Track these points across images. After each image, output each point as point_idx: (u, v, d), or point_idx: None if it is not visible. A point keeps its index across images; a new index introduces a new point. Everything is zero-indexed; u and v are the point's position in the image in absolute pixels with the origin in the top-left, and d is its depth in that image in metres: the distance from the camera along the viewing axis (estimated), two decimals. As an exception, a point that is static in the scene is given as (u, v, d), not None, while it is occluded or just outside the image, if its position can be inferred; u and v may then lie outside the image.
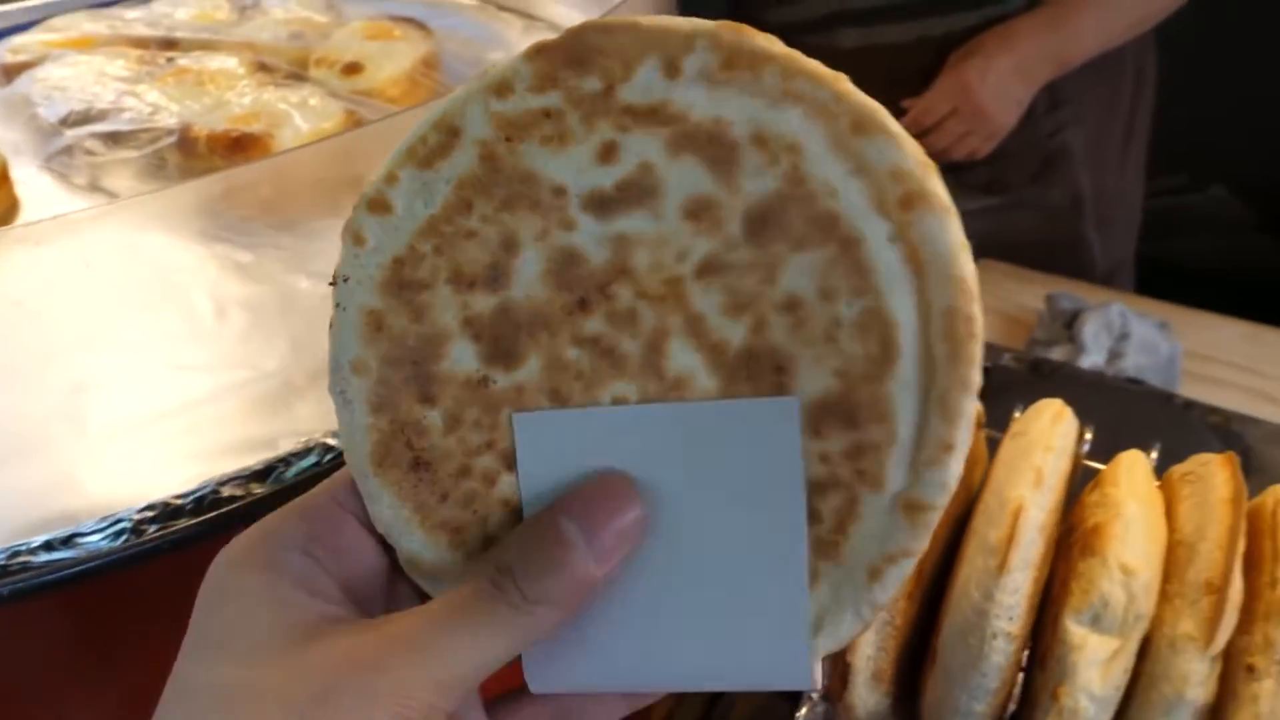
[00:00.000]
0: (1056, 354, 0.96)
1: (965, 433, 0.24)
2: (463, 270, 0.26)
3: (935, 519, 0.24)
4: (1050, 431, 0.48)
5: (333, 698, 0.24)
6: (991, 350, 0.92)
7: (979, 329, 0.24)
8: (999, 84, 1.05)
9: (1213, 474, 0.47)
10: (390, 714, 0.24)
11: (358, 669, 0.25)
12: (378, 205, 0.27)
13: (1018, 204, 1.20)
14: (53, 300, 0.54)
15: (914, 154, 0.24)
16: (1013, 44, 1.05)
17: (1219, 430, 0.80)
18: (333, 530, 0.29)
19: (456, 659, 0.25)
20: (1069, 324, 1.01)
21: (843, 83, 0.24)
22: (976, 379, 0.24)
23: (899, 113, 1.09)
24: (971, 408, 0.24)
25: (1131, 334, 0.97)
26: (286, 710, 0.24)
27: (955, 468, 0.24)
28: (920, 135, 1.06)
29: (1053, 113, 1.15)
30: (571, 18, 0.88)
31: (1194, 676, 0.41)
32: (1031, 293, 1.09)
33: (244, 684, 0.25)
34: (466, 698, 0.27)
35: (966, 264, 0.24)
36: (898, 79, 1.14)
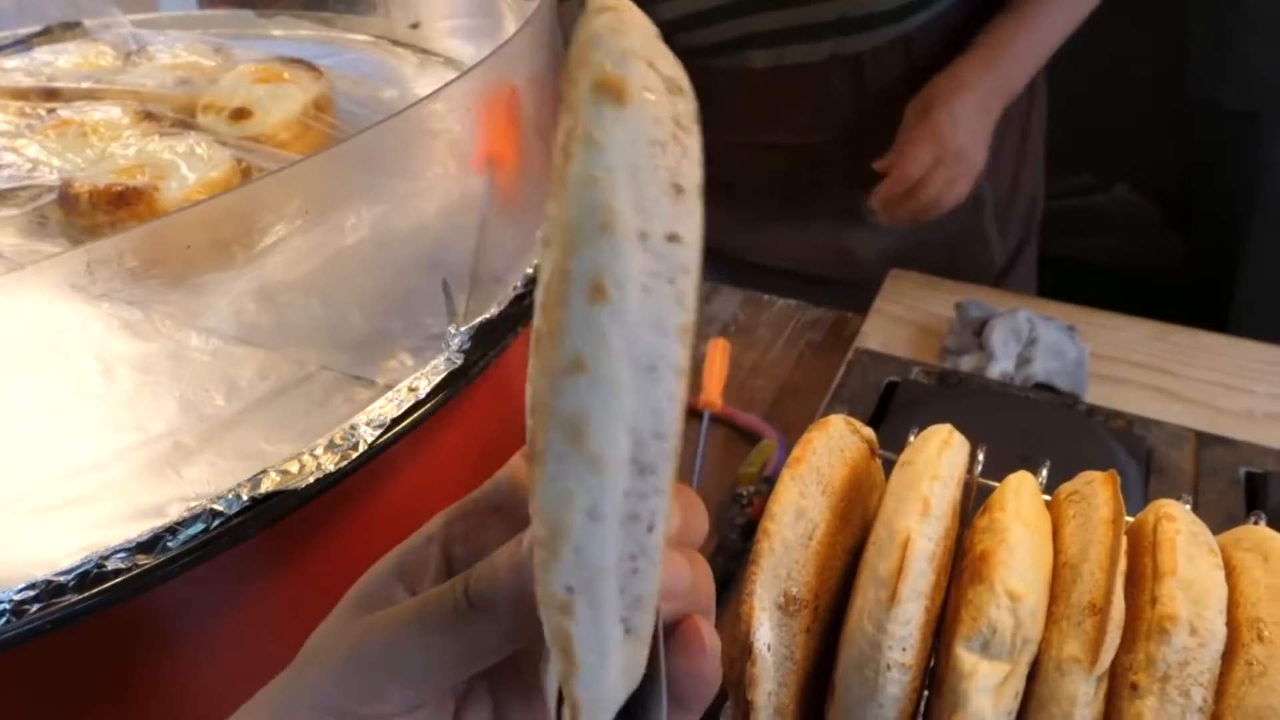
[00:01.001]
0: (966, 363, 0.98)
1: None
2: None
3: None
4: (937, 460, 0.49)
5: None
6: (901, 364, 0.93)
7: None
8: (968, 124, 1.08)
9: (1095, 493, 0.48)
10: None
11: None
12: None
13: None
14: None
15: None
16: (965, 86, 1.08)
17: (1122, 435, 0.83)
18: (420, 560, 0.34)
19: (408, 656, 0.28)
20: (978, 331, 1.03)
21: None
22: None
23: (874, 176, 1.11)
24: None
25: (1039, 339, 0.99)
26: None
27: None
28: (908, 191, 1.08)
29: None
30: (466, 52, 0.87)
31: (1081, 697, 0.42)
32: (941, 300, 1.11)
33: None
34: (431, 695, 0.30)
35: None
36: (819, 102, 1.16)
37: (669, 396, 0.21)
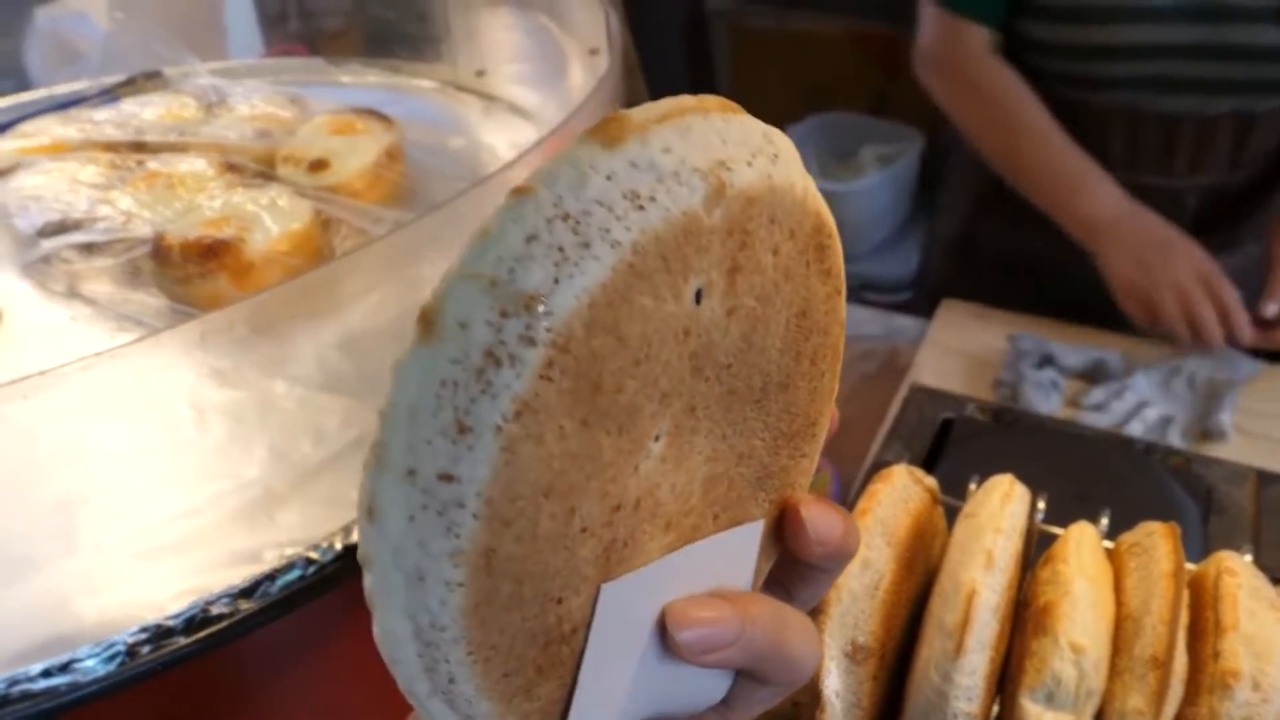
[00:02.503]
0: (1022, 396, 0.99)
1: None
2: None
3: None
4: (1000, 512, 0.50)
5: None
6: (955, 400, 0.94)
7: None
8: None
9: (1156, 545, 0.49)
10: None
11: None
12: None
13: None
14: (37, 414, 0.56)
15: None
16: None
17: (1180, 473, 0.83)
18: None
19: None
20: (1038, 364, 1.03)
21: None
22: None
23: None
24: None
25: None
26: None
27: None
28: None
29: None
30: (529, 99, 0.90)
31: (1145, 749, 0.43)
32: (993, 331, 1.12)
33: None
34: None
35: None
36: (1199, 151, 1.13)
37: (440, 601, 0.23)
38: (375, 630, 0.24)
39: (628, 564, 0.26)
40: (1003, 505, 0.51)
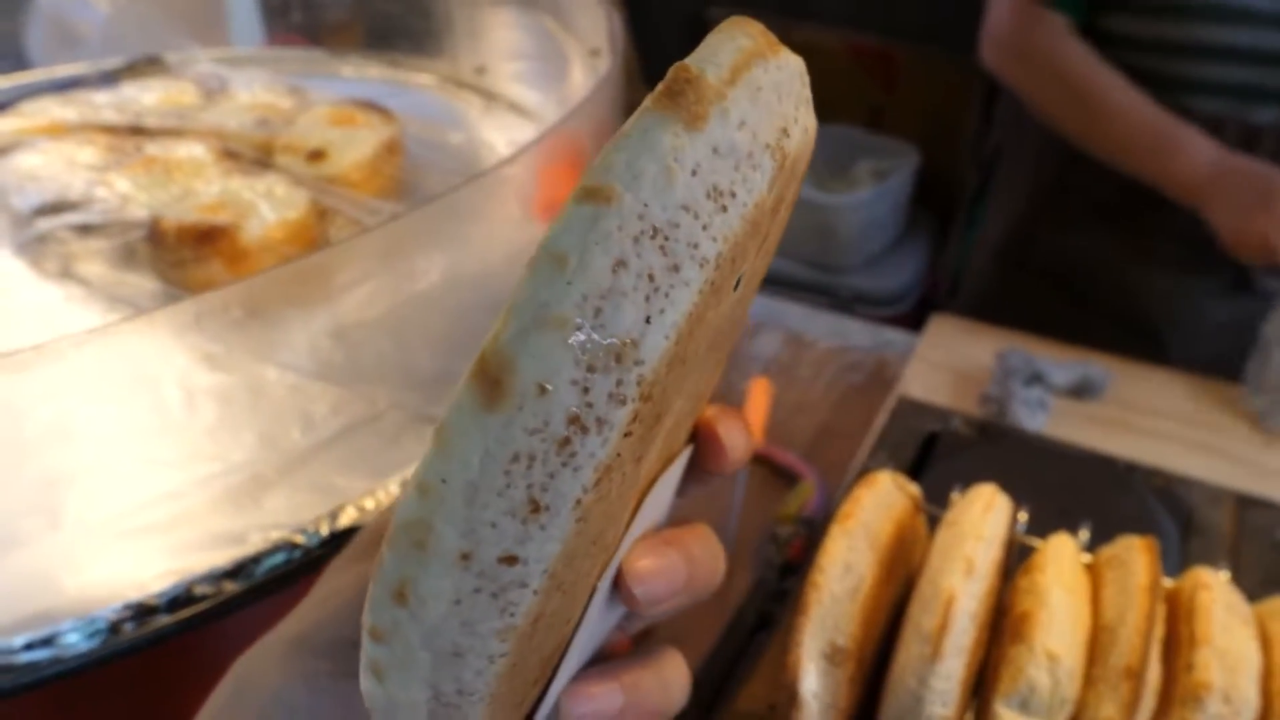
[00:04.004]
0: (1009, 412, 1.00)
1: None
2: None
3: None
4: (981, 521, 0.51)
5: None
6: (942, 413, 0.95)
7: None
8: None
9: (1134, 558, 0.50)
10: None
11: None
12: None
13: None
14: (26, 391, 0.56)
15: None
16: None
17: (1161, 493, 0.84)
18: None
19: None
20: (1027, 381, 1.04)
21: None
22: None
23: None
24: None
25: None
26: None
27: None
28: None
29: None
30: (530, 98, 0.91)
31: (1115, 758, 0.44)
32: (982, 347, 1.12)
33: None
34: None
35: None
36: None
37: (477, 672, 0.20)
38: (374, 694, 0.21)
39: (613, 549, 0.24)
40: (984, 514, 0.51)
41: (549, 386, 0.17)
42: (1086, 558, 0.55)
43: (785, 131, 0.21)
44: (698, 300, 0.19)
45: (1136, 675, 0.44)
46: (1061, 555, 0.51)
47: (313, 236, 0.71)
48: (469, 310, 0.66)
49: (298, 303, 0.60)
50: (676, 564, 0.26)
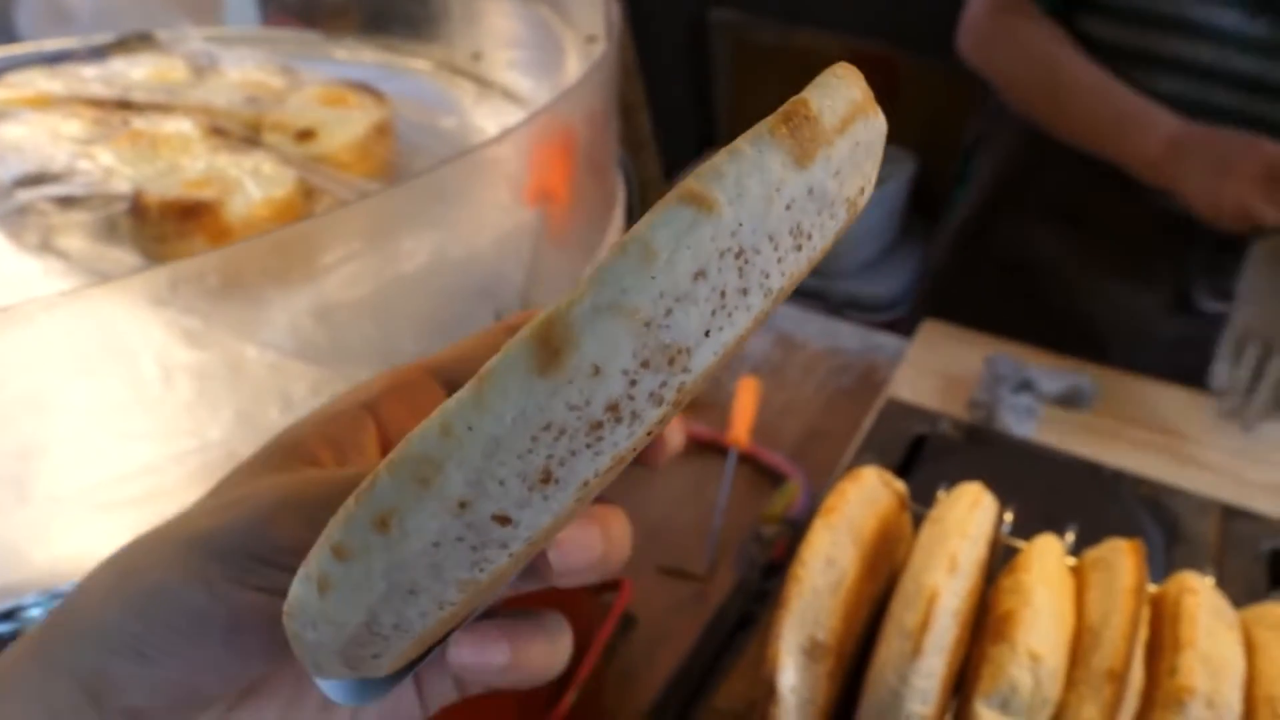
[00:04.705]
0: (997, 418, 0.99)
1: None
2: None
3: None
4: (967, 518, 0.50)
5: None
6: (930, 416, 0.94)
7: None
8: None
9: (1119, 561, 0.49)
10: None
11: None
12: None
13: None
14: (-4, 362, 0.55)
15: None
16: None
17: (1147, 502, 0.83)
18: (350, 431, 0.30)
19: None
20: (1015, 389, 1.04)
21: None
22: None
23: None
24: None
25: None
26: None
27: None
28: None
29: None
30: (524, 85, 0.90)
31: (1096, 761, 0.43)
32: (972, 353, 1.12)
33: None
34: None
35: None
36: None
37: (421, 614, 0.20)
38: (305, 604, 0.21)
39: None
40: (970, 512, 0.51)
41: (603, 370, 0.18)
42: (1071, 560, 0.54)
43: (862, 190, 0.22)
44: (750, 326, 0.19)
45: (1119, 677, 0.43)
46: (1046, 555, 0.50)
47: (299, 215, 0.70)
48: (455, 294, 0.65)
49: (279, 280, 0.59)
50: (594, 540, 0.26)
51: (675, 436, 0.29)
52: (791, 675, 0.47)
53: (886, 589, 0.53)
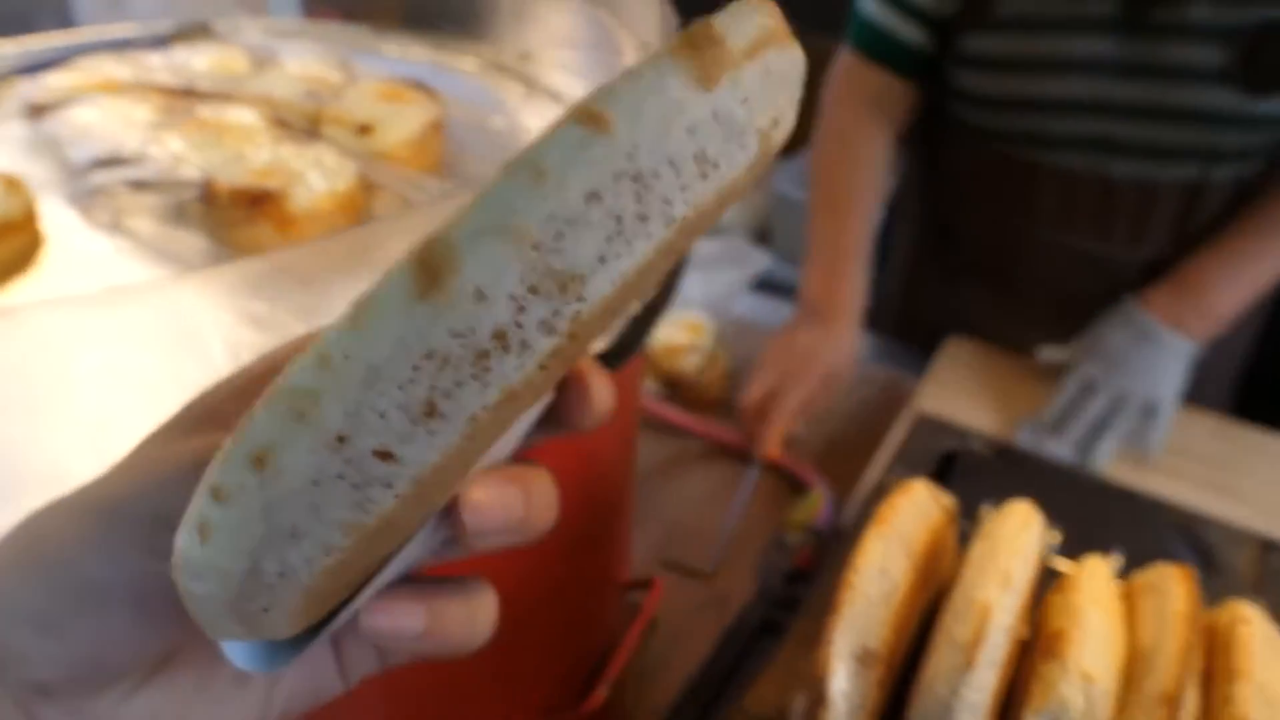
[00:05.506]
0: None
1: None
2: None
3: None
4: (1018, 536, 0.51)
5: None
6: (960, 433, 0.95)
7: None
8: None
9: (1171, 587, 0.50)
10: None
11: None
12: None
13: None
14: (76, 336, 0.56)
15: None
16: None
17: (1183, 531, 0.84)
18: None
19: None
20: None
21: None
22: None
23: None
24: None
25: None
26: None
27: None
28: None
29: None
30: (574, 87, 0.91)
31: (1144, 781, 0.44)
32: (997, 372, 1.13)
33: None
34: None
35: None
36: (1141, 219, 1.07)
37: (306, 560, 0.19)
38: (189, 554, 0.20)
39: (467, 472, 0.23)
40: (1021, 530, 0.52)
41: (487, 294, 0.17)
42: (1119, 584, 0.55)
43: (776, 122, 0.21)
44: (651, 256, 0.18)
45: (1173, 702, 0.44)
46: (1096, 577, 0.51)
47: (359, 208, 0.71)
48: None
49: (342, 269, 0.60)
50: (513, 500, 0.24)
51: (603, 394, 0.26)
52: (843, 681, 0.48)
53: (932, 602, 0.54)
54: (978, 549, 0.52)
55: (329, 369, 0.17)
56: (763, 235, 2.23)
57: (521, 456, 0.27)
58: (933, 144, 1.21)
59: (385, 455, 0.18)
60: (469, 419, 0.18)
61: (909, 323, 1.35)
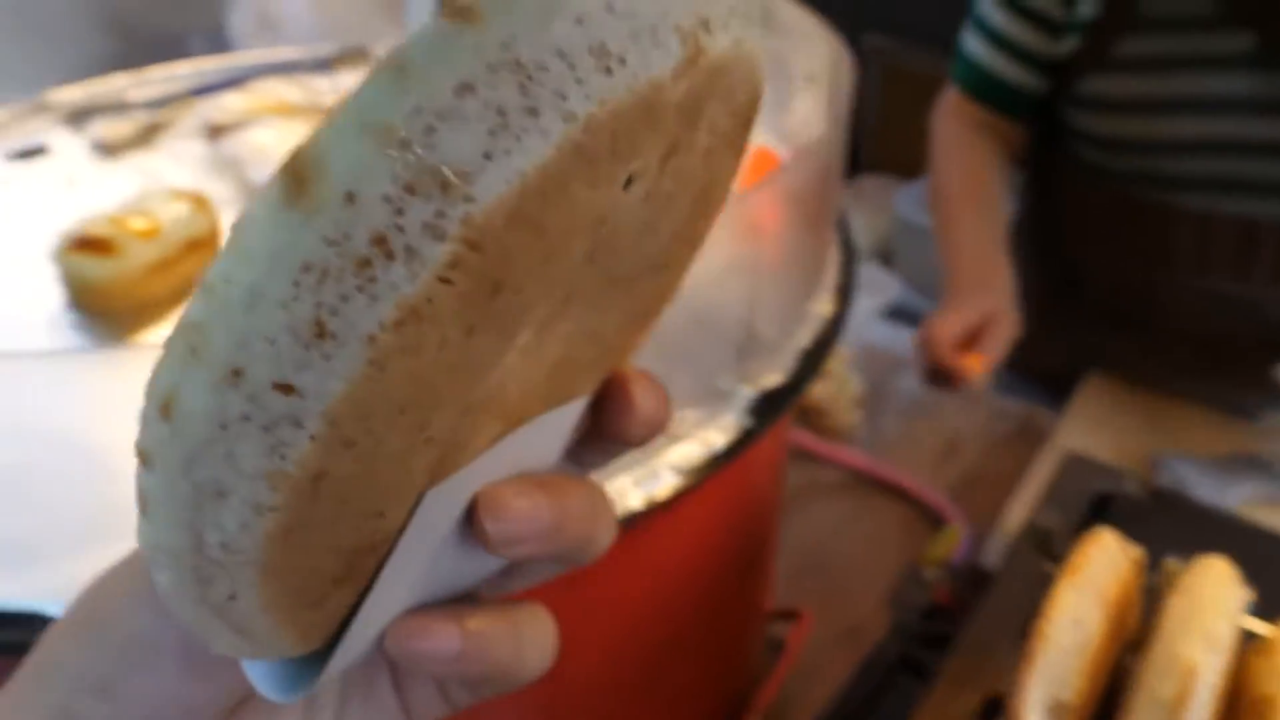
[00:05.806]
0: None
1: None
2: None
3: None
4: (1220, 594, 0.49)
5: None
6: (1113, 474, 0.93)
7: None
8: None
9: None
10: None
11: None
12: None
13: None
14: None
15: None
16: None
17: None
18: None
19: None
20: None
21: None
22: None
23: None
24: None
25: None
26: None
27: None
28: None
29: None
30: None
31: None
32: (1137, 411, 1.10)
33: None
34: None
35: None
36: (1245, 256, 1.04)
37: (242, 524, 0.18)
38: (142, 531, 0.19)
39: (457, 463, 0.22)
40: (1221, 586, 0.50)
41: (357, 195, 0.16)
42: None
43: (706, 25, 0.19)
44: (555, 156, 0.17)
45: (1397, 773, 0.42)
46: (1303, 639, 0.49)
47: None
48: (670, 321, 0.67)
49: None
50: (541, 508, 0.23)
51: (649, 403, 0.25)
52: (1036, 734, 0.47)
53: (1119, 656, 0.52)
54: (1176, 604, 0.50)
55: (214, 296, 0.16)
56: (886, 258, 2.21)
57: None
58: (1048, 177, 1.18)
59: (285, 388, 0.17)
60: (367, 339, 0.16)
61: (1034, 357, 1.31)
